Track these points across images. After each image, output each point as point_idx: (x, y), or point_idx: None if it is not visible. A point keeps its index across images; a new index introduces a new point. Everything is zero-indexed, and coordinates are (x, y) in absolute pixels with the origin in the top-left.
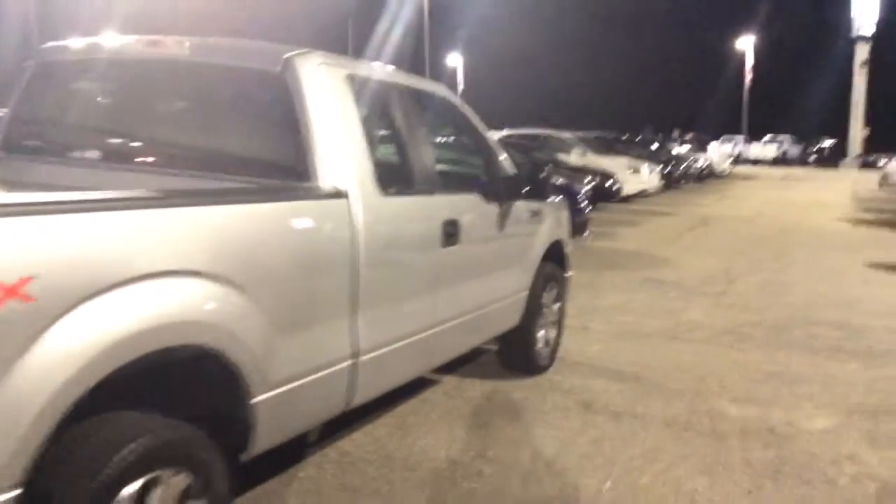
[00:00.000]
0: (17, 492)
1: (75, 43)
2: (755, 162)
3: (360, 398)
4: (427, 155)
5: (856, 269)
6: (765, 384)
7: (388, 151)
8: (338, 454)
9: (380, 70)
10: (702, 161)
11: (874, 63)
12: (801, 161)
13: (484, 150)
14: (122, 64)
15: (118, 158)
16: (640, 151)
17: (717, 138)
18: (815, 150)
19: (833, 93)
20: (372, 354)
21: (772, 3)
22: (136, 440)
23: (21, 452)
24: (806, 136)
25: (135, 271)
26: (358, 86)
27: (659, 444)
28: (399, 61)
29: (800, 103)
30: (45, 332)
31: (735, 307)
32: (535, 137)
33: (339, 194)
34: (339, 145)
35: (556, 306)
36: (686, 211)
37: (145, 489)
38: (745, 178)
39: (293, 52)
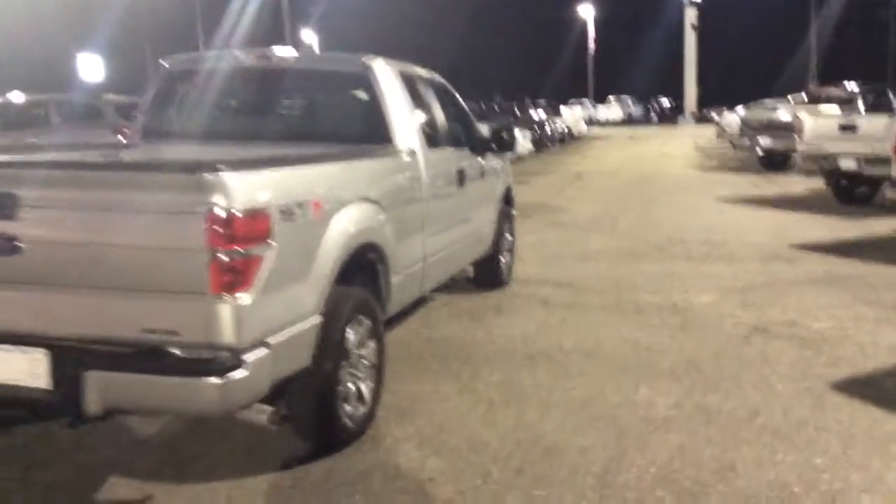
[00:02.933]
0: (321, 318)
1: (200, 55)
2: (603, 123)
3: (425, 289)
4: (442, 121)
5: (710, 204)
6: (662, 281)
7: (423, 119)
8: (394, 338)
9: (410, 67)
10: (560, 124)
11: (702, 26)
12: (645, 120)
13: (466, 118)
14: (240, 70)
15: (245, 137)
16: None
17: (565, 103)
18: (656, 108)
19: (667, 55)
20: (430, 259)
21: None
22: (354, 297)
23: (323, 294)
24: (644, 97)
25: (351, 197)
26: (405, 77)
27: (603, 318)
28: (257, 37)
29: (638, 66)
30: (326, 227)
31: (624, 237)
32: None
33: (412, 151)
34: (404, 118)
35: (510, 236)
36: (560, 170)
37: (353, 326)
38: (599, 138)
39: (368, 58)
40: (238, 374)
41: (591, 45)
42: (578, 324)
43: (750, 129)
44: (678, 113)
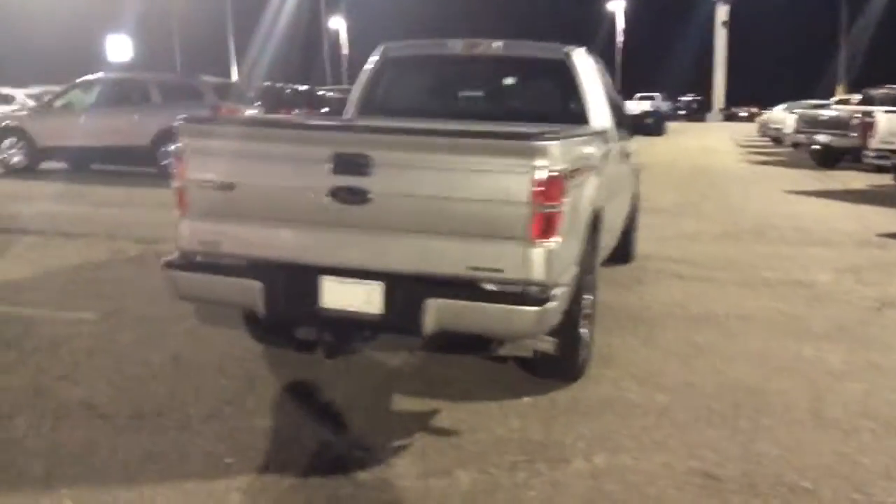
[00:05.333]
0: (577, 268)
1: (414, 42)
2: None
3: (604, 255)
4: (614, 103)
5: (779, 195)
6: (774, 261)
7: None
8: None
9: (593, 56)
10: None
11: (733, 23)
12: (673, 116)
13: (620, 101)
14: (451, 57)
15: (454, 116)
16: None
17: None
18: (684, 105)
19: (695, 52)
20: (608, 225)
21: None
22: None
23: (580, 247)
24: (671, 94)
25: (592, 167)
26: (596, 64)
27: (739, 290)
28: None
29: (666, 62)
30: (583, 191)
31: (714, 221)
32: None
33: (604, 130)
34: (598, 100)
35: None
36: None
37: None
38: None
39: (567, 48)
40: (550, 304)
41: (620, 40)
42: (719, 294)
43: (808, 126)
44: (705, 110)
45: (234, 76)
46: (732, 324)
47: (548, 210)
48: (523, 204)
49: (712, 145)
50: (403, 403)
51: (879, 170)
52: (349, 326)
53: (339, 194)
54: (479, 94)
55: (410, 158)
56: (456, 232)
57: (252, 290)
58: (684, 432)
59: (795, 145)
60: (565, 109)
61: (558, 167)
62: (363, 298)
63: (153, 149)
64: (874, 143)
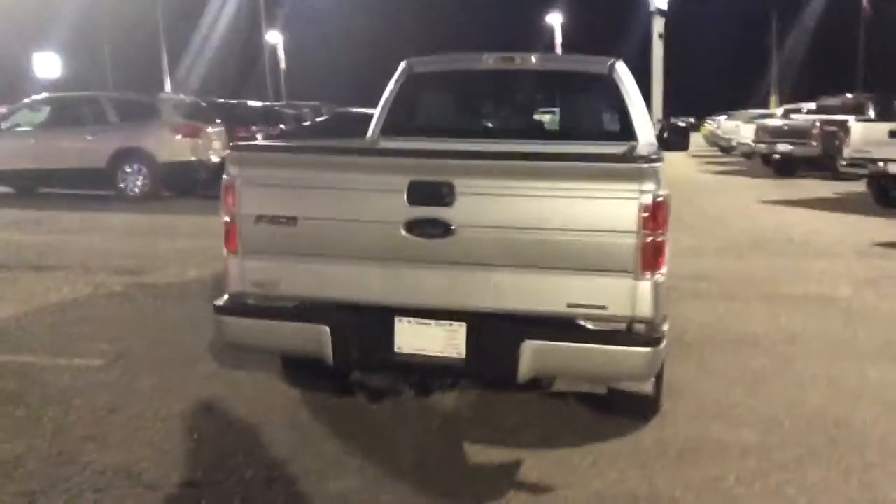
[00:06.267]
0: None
1: (440, 57)
2: None
3: None
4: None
5: (756, 205)
6: (787, 275)
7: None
8: None
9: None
10: None
11: (669, 35)
12: None
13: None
14: (482, 72)
15: (487, 135)
16: None
17: None
18: None
19: (634, 64)
20: None
21: None
22: None
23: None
24: None
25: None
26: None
27: (767, 308)
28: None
29: None
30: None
31: (708, 236)
32: None
33: (651, 145)
34: (643, 115)
35: None
36: None
37: None
38: None
39: (610, 60)
40: (661, 344)
41: (559, 53)
42: (748, 313)
43: (768, 135)
44: None
45: (168, 90)
46: (780, 346)
47: (656, 239)
48: (630, 233)
49: (665, 155)
50: (479, 455)
51: (839, 177)
52: (429, 372)
53: (416, 227)
54: (517, 111)
55: (499, 185)
56: (552, 265)
57: (317, 336)
58: (794, 476)
59: (748, 155)
60: (611, 125)
61: (663, 191)
62: (444, 341)
63: (111, 170)
64: (849, 151)
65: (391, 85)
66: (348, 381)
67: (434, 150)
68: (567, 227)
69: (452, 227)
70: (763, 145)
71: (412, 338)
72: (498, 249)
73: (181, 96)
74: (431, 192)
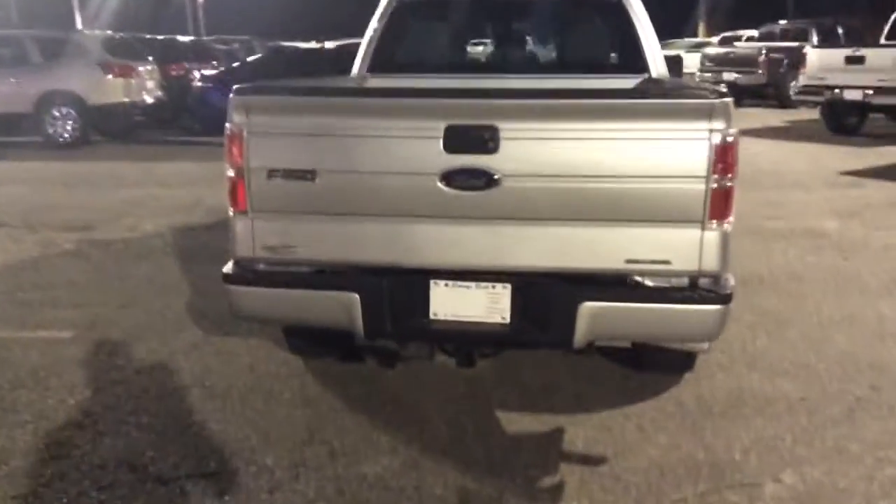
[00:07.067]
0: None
1: None
2: None
3: None
4: None
5: None
6: (767, 208)
7: None
8: None
9: None
10: None
11: None
12: None
13: None
14: (478, 1)
15: (485, 69)
16: None
17: None
18: None
19: None
20: None
21: None
22: None
23: None
24: None
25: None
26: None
27: (758, 244)
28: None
29: None
30: None
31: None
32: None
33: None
34: (654, 46)
35: None
36: None
37: None
38: None
39: None
40: (731, 302)
41: None
42: (745, 250)
43: (714, 63)
44: None
45: (79, 26)
46: (786, 284)
47: (726, 184)
48: (699, 178)
49: None
50: (515, 423)
51: (785, 105)
52: (468, 341)
53: (455, 178)
54: (520, 42)
55: (549, 128)
56: (609, 217)
57: (345, 306)
58: (852, 430)
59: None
60: (622, 57)
61: (733, 130)
62: (486, 306)
63: (38, 115)
64: (804, 79)
65: (377, 15)
66: (354, 344)
67: (475, 89)
68: (627, 173)
69: (496, 178)
70: (709, 74)
71: (449, 302)
72: (548, 201)
73: (109, 33)
74: (472, 138)
